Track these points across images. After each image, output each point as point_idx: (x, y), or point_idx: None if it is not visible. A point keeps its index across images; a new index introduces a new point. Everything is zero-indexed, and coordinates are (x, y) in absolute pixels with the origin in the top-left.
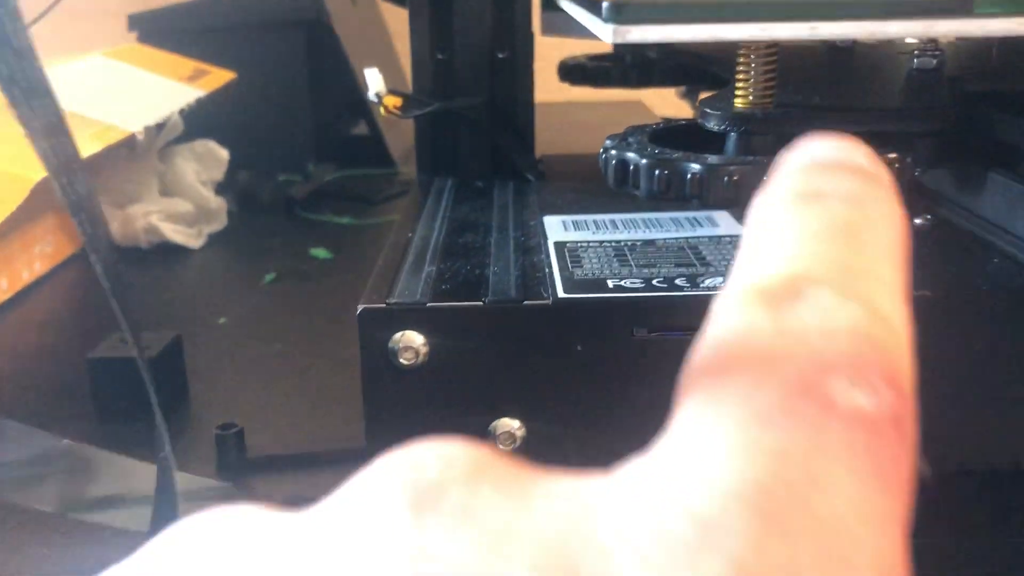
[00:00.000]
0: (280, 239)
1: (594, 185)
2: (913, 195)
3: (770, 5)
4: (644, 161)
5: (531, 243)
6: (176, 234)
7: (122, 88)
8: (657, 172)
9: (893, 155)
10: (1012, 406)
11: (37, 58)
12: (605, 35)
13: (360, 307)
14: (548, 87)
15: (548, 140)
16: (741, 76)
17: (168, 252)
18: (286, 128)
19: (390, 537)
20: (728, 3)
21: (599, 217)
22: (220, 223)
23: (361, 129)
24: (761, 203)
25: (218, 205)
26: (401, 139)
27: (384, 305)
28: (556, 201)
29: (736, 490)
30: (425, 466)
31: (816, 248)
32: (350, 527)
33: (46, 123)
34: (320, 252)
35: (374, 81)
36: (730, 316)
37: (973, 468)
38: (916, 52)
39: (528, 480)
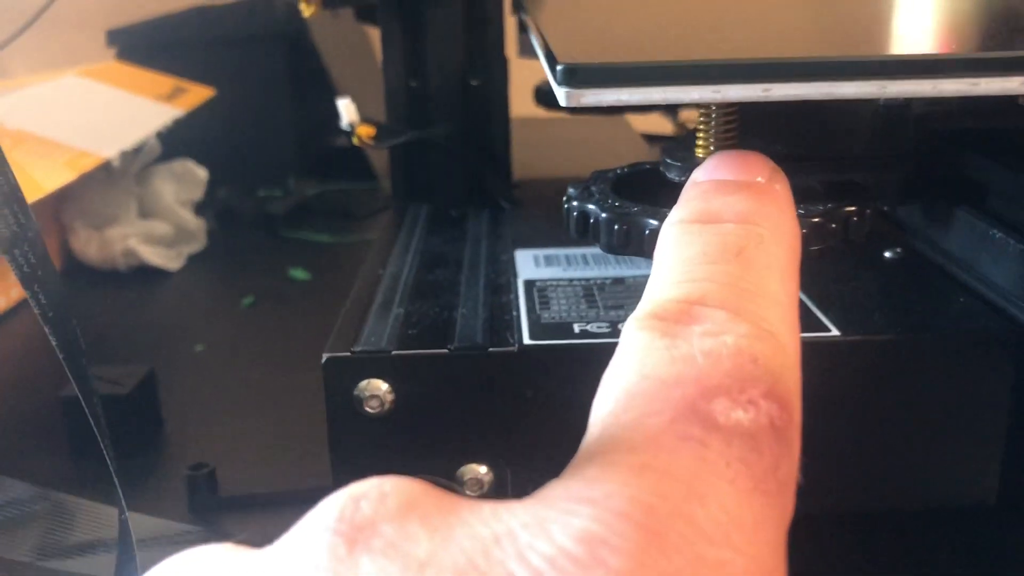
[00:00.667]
0: (260, 258)
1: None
2: (885, 226)
3: (723, 67)
4: (604, 215)
5: (501, 281)
6: (155, 256)
7: (98, 110)
8: (616, 227)
9: (851, 208)
10: (974, 446)
11: None
12: (560, 98)
13: (325, 356)
14: (530, 102)
15: (527, 159)
16: (701, 126)
17: (147, 275)
18: (267, 143)
19: (325, 571)
20: (680, 66)
21: (571, 252)
22: (199, 244)
23: (343, 142)
24: (664, 229)
25: (197, 226)
26: (383, 152)
27: (349, 353)
28: (529, 232)
29: (622, 509)
30: (360, 505)
31: (708, 271)
32: (293, 565)
33: None
34: (299, 273)
35: (347, 112)
36: (630, 344)
37: (943, 507)
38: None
39: (453, 511)
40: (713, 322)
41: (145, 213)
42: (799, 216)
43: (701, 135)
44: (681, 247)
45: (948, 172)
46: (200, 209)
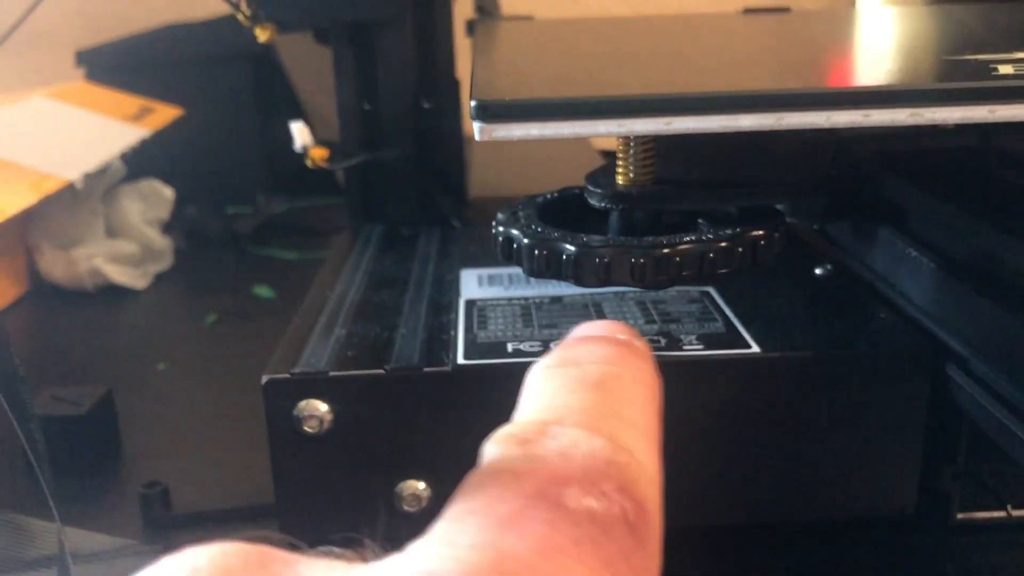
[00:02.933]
0: (226, 277)
1: None
2: (818, 243)
3: (626, 102)
4: (526, 241)
5: (443, 301)
6: (121, 275)
7: (63, 132)
8: (536, 252)
9: (759, 232)
10: (893, 457)
11: None
12: (475, 132)
13: (264, 377)
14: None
15: (486, 178)
16: (620, 154)
17: (113, 294)
18: (235, 161)
19: None
20: (586, 102)
21: (514, 271)
22: (166, 262)
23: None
24: (529, 374)
25: (163, 245)
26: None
27: (288, 375)
28: (477, 251)
29: None
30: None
31: (567, 399)
32: None
33: None
34: (263, 291)
35: (300, 134)
36: (490, 455)
37: (864, 517)
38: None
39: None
40: (568, 437)
41: (112, 233)
42: (707, 240)
43: (621, 162)
44: (542, 385)
45: (872, 192)
46: (168, 227)
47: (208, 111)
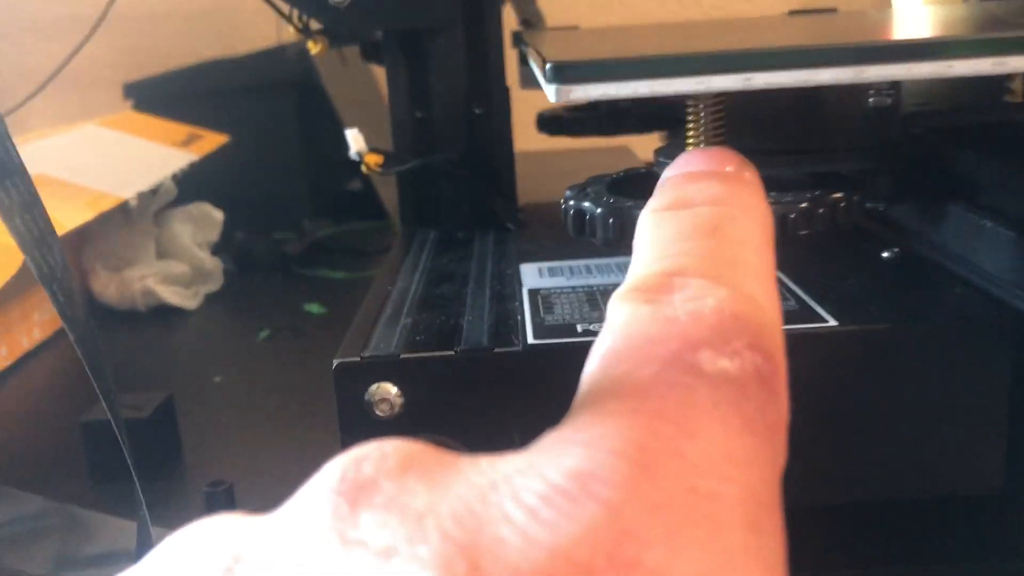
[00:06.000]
0: (276, 297)
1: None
2: (881, 229)
3: (704, 59)
4: (599, 210)
5: (506, 292)
6: (172, 296)
7: (115, 155)
8: (611, 220)
9: (838, 195)
10: (977, 433)
11: (8, 136)
12: (549, 94)
13: (335, 361)
14: (535, 137)
15: (532, 189)
16: (691, 123)
17: (165, 314)
18: (280, 187)
19: (329, 529)
20: (665, 59)
21: (574, 263)
22: (216, 283)
23: (355, 184)
24: (640, 220)
25: (214, 266)
26: (394, 192)
27: (359, 359)
28: (534, 249)
29: (613, 447)
30: (362, 466)
31: (685, 247)
32: (297, 526)
33: (20, 200)
34: (314, 307)
35: (355, 141)
36: (614, 315)
37: (948, 496)
38: (871, 92)
39: (452, 465)
40: (693, 289)
41: (163, 254)
42: (786, 202)
43: (691, 131)
44: (656, 231)
45: (938, 170)
46: (217, 251)
47: (253, 139)
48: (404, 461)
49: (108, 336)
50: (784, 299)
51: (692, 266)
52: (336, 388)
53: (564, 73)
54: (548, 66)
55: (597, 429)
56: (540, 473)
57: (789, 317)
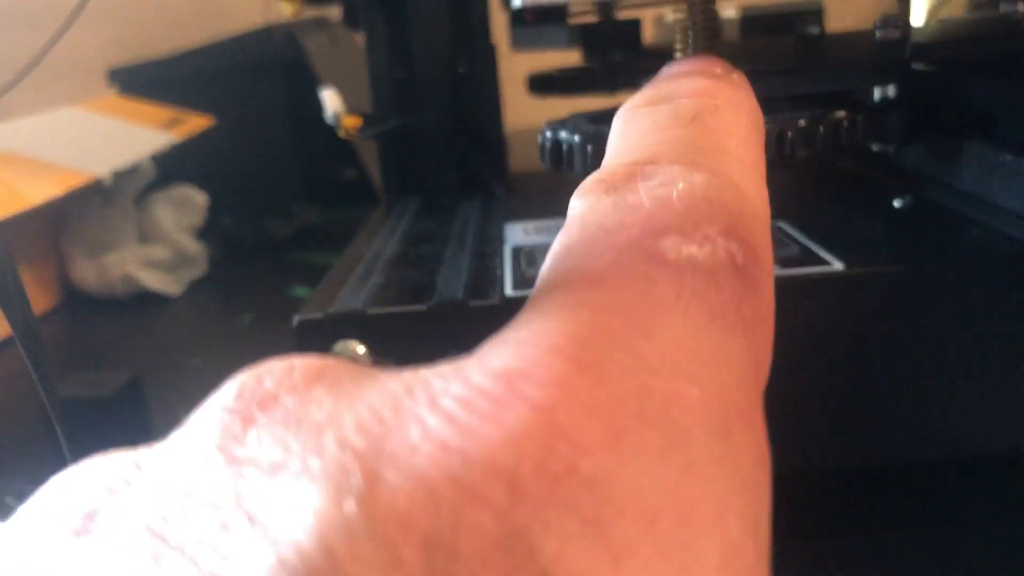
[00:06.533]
0: (262, 282)
1: (565, 194)
2: (892, 176)
3: None
4: (576, 139)
5: (488, 250)
6: (154, 281)
7: (91, 136)
8: (590, 148)
9: (841, 113)
10: (1002, 387)
11: None
12: None
13: (296, 318)
14: (531, 106)
15: (527, 164)
16: (679, 37)
17: (146, 300)
18: (271, 172)
19: (215, 449)
20: None
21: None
22: (200, 269)
23: (350, 173)
24: (616, 116)
25: (197, 251)
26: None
27: (322, 315)
28: (522, 210)
29: (550, 343)
30: (263, 381)
31: (661, 136)
32: (183, 451)
33: None
34: (300, 291)
35: (331, 101)
36: (574, 209)
37: (957, 463)
38: (878, 24)
39: (369, 375)
40: (664, 175)
41: (145, 239)
42: (785, 119)
43: (680, 46)
44: (630, 125)
45: (951, 105)
46: (204, 236)
47: (241, 123)
48: (312, 374)
49: (86, 323)
50: (784, 244)
51: (666, 153)
52: (297, 348)
53: None
54: None
55: (534, 325)
56: (463, 375)
57: (789, 262)
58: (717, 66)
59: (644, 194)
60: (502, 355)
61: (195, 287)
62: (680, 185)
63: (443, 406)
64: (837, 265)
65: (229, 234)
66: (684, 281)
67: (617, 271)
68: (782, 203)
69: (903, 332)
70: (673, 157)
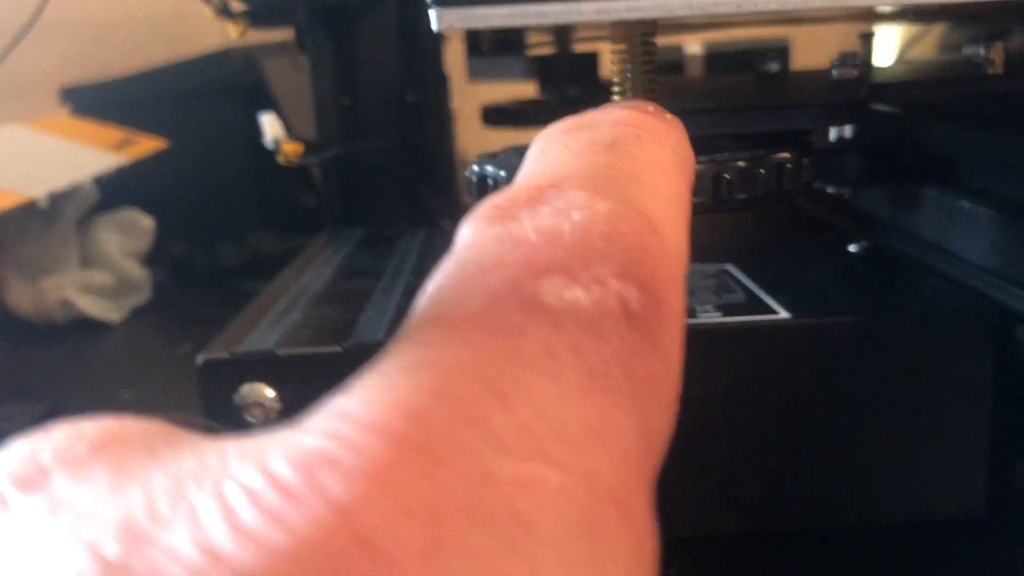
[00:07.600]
0: (208, 310)
1: None
2: (848, 220)
3: None
4: (503, 173)
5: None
6: (93, 307)
7: (30, 155)
8: None
9: (784, 154)
10: (955, 447)
11: None
12: (433, 22)
13: (200, 358)
14: (488, 139)
15: None
16: (617, 79)
17: (85, 327)
18: (225, 197)
19: None
20: None
21: None
22: (143, 295)
23: (309, 200)
24: (536, 138)
25: (141, 276)
26: None
27: (228, 355)
28: None
29: (375, 419)
30: (40, 451)
31: (573, 162)
32: None
33: None
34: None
35: (270, 127)
36: (459, 237)
37: (924, 521)
38: (835, 63)
39: (174, 445)
40: (564, 201)
41: (87, 264)
42: (723, 159)
43: (618, 88)
44: (546, 151)
45: (909, 149)
46: (152, 262)
47: (197, 146)
48: (102, 443)
49: (17, 350)
50: (729, 290)
51: (572, 179)
52: (201, 390)
53: None
54: None
55: (366, 393)
56: (262, 458)
57: (732, 309)
58: (650, 105)
59: (530, 224)
60: (316, 431)
61: (137, 314)
62: (576, 215)
63: (228, 499)
64: (783, 314)
65: (179, 260)
66: (561, 334)
67: (483, 320)
68: (731, 245)
69: (849, 387)
70: (580, 183)
